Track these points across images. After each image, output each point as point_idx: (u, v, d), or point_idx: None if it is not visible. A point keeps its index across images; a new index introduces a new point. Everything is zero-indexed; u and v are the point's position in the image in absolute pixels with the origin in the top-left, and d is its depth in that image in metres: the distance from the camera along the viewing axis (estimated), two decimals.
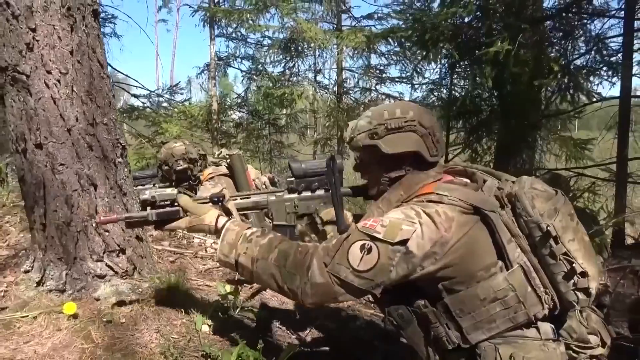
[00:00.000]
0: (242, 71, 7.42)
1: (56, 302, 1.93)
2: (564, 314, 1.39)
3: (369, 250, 1.34)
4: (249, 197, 1.78)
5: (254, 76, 7.33)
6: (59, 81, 1.88)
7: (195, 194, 3.69)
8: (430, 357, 1.44)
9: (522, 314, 1.35)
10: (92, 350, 1.66)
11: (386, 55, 6.61)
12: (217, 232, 1.55)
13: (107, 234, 2.04)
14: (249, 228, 1.51)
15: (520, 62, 2.95)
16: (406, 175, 1.53)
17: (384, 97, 6.35)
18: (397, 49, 6.10)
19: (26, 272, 2.07)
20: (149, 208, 1.66)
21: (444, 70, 5.01)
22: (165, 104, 8.05)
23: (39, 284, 2.01)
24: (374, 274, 1.33)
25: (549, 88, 3.60)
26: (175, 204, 1.64)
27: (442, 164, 1.63)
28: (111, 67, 7.30)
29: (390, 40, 5.14)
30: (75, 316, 1.82)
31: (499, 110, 4.02)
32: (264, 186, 3.96)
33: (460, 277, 1.37)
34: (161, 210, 1.64)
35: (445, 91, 5.05)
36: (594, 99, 4.04)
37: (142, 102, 8.04)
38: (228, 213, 1.64)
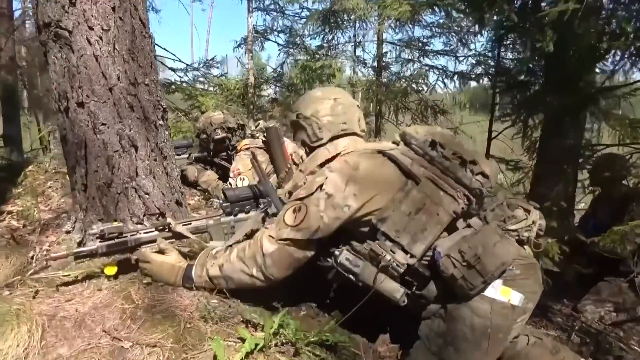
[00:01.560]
0: (278, 44, 7.33)
1: (97, 262, 1.92)
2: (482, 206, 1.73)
3: (299, 208, 1.65)
4: (190, 223, 1.97)
5: (291, 49, 7.22)
6: (100, 38, 1.84)
7: (231, 164, 3.66)
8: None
9: (443, 213, 1.63)
10: (132, 310, 1.64)
11: (430, 27, 6.36)
12: (185, 280, 1.76)
13: (147, 196, 2.01)
14: (213, 249, 1.79)
15: (586, 26, 2.72)
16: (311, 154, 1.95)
17: (426, 68, 6.10)
18: (442, 20, 5.87)
19: (68, 232, 2.08)
20: (98, 240, 1.76)
21: (490, 42, 4.78)
22: (201, 78, 8.03)
23: (80, 244, 2.01)
24: (308, 222, 1.63)
25: (618, 53, 3.30)
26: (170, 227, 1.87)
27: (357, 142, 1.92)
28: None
29: (437, 9, 4.90)
30: (115, 277, 1.80)
31: (552, 82, 3.76)
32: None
33: (385, 204, 1.64)
34: (110, 242, 1.76)
35: (492, 63, 4.82)
36: None
37: (179, 76, 8.06)
38: (180, 236, 1.90)
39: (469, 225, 1.66)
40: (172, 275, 1.77)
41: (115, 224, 1.82)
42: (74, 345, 1.50)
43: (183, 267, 1.78)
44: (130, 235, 1.81)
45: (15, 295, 1.70)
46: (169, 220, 1.89)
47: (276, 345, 1.56)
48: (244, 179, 3.50)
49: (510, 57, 4.73)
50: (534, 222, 1.70)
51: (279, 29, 7.36)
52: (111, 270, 1.78)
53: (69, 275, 1.84)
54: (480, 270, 1.53)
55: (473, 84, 5.78)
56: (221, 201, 2.13)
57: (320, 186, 1.65)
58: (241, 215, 2.05)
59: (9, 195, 3.17)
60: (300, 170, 1.95)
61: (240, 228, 1.99)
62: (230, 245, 1.79)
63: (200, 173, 3.74)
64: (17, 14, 7.79)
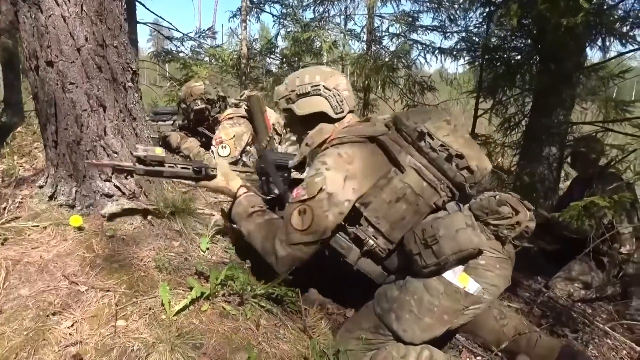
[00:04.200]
0: (273, 15, 7.29)
1: (66, 215, 2.02)
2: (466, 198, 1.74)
3: (304, 211, 1.69)
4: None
5: (285, 21, 7.18)
6: None
7: (213, 133, 3.74)
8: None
9: (423, 204, 1.69)
10: (92, 259, 1.75)
11: (420, 2, 6.30)
12: (234, 197, 1.98)
13: (115, 155, 2.10)
14: (253, 206, 1.91)
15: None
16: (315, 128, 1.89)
17: (412, 42, 6.05)
18: None
19: (40, 187, 2.17)
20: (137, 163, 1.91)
21: (479, 19, 4.77)
22: (198, 49, 8.02)
23: (51, 198, 2.11)
24: (317, 224, 1.68)
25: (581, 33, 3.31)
26: (212, 169, 1.99)
27: (350, 118, 1.93)
28: (147, 8, 7.27)
29: None
30: (80, 229, 1.91)
31: (532, 58, 3.78)
32: (284, 130, 3.96)
33: (369, 190, 1.70)
34: (149, 168, 1.91)
35: (477, 40, 4.81)
36: (632, 48, 3.71)
37: (175, 45, 8.05)
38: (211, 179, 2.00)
39: (444, 209, 1.69)
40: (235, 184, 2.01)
41: (158, 151, 1.93)
42: (34, 287, 1.62)
43: (240, 191, 1.99)
44: (168, 167, 1.94)
45: None
46: (206, 162, 2.02)
47: (223, 295, 1.67)
48: (225, 147, 3.58)
49: (498, 34, 4.73)
50: (518, 223, 1.67)
51: None
52: (76, 222, 1.89)
53: (38, 226, 1.95)
54: (435, 251, 1.57)
55: (461, 62, 5.81)
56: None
57: (321, 188, 1.67)
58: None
59: None
60: (307, 144, 1.92)
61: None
62: (264, 210, 1.92)
63: (182, 140, 3.81)
64: None
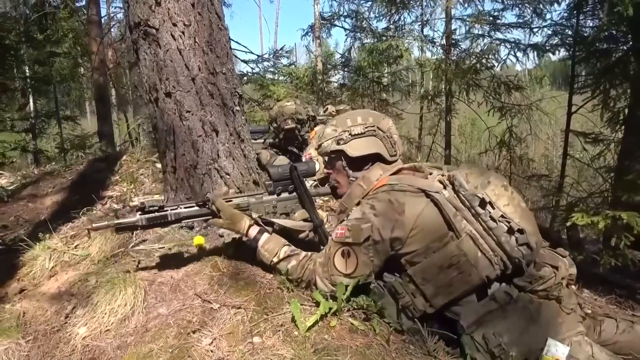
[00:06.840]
0: (345, 29, 7.36)
1: (186, 237, 2.14)
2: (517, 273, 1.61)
3: (348, 254, 1.65)
4: (231, 200, 1.91)
5: (358, 34, 7.23)
6: (183, 33, 2.03)
7: (301, 151, 3.81)
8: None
9: (475, 275, 1.56)
10: (219, 277, 1.83)
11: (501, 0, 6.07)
12: (248, 239, 1.83)
13: (228, 177, 2.19)
14: (276, 255, 1.77)
15: None
16: (365, 172, 1.80)
17: (498, 42, 5.80)
18: None
19: None
20: (139, 213, 1.76)
21: (568, 9, 4.49)
22: (271, 69, 8.30)
23: None
24: (361, 269, 1.64)
25: None
26: (208, 204, 1.83)
27: (400, 164, 1.85)
28: None
29: None
30: (202, 249, 2.00)
31: (635, 47, 3.49)
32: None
33: (419, 249, 1.60)
34: (151, 215, 1.76)
35: (569, 32, 4.53)
36: None
37: (251, 68, 8.39)
38: (215, 214, 1.83)
39: (494, 298, 1.59)
40: (242, 225, 1.82)
41: (156, 197, 1.89)
42: (171, 306, 1.71)
43: (251, 229, 1.83)
44: (171, 210, 1.81)
45: (121, 264, 1.95)
46: (208, 196, 1.87)
47: (348, 310, 1.67)
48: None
49: (590, 24, 4.44)
50: (563, 278, 1.65)
51: (345, 13, 7.41)
52: (199, 241, 1.98)
53: (164, 247, 2.08)
54: None
55: (552, 58, 5.48)
56: (265, 180, 2.07)
57: (368, 237, 1.61)
58: (284, 195, 2.01)
59: (109, 182, 3.55)
60: (360, 185, 1.81)
61: (283, 207, 2.00)
62: (289, 254, 1.79)
63: (272, 157, 3.92)
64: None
